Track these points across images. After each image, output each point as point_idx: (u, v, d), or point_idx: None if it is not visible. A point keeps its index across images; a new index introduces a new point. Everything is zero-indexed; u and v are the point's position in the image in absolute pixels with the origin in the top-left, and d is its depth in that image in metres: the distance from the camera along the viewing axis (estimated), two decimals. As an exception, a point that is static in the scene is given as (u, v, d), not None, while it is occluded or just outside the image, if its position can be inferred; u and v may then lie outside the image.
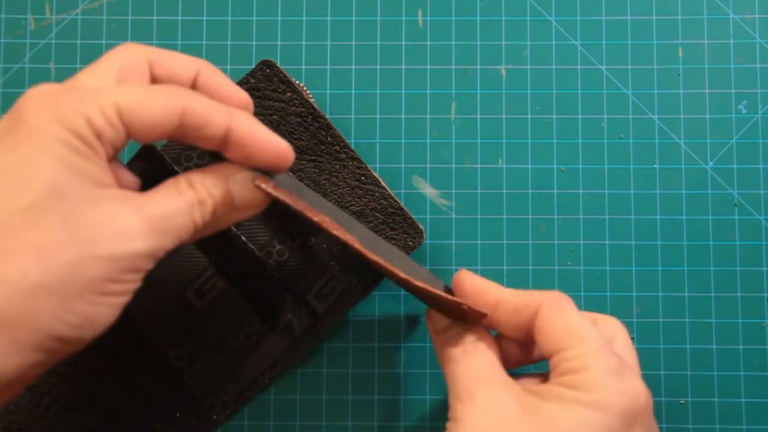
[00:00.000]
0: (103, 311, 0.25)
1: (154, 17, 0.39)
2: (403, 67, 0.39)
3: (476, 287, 0.31)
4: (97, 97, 0.25)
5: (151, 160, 0.36)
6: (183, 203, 0.27)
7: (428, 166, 0.39)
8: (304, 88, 0.38)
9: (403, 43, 0.39)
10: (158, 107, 0.26)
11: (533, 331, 0.30)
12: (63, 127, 0.24)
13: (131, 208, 0.25)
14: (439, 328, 0.32)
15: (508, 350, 0.32)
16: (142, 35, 0.39)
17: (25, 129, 0.24)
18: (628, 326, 0.38)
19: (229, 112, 0.27)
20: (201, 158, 0.36)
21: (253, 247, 0.36)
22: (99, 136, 0.25)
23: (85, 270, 0.24)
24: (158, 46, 0.39)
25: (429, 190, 0.39)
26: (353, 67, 0.39)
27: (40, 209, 0.24)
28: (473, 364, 0.30)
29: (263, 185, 0.28)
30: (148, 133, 0.26)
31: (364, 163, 0.37)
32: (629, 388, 0.27)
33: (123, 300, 0.26)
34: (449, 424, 0.28)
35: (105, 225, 0.24)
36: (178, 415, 0.36)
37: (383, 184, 0.37)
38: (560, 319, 0.29)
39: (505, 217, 0.39)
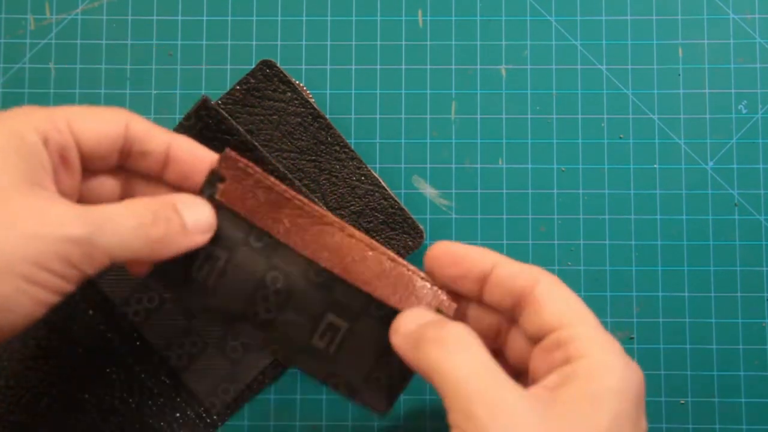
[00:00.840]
0: (22, 300, 0.24)
1: (154, 17, 0.39)
2: (403, 67, 0.39)
3: (472, 251, 0.29)
4: (48, 109, 0.28)
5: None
6: (127, 209, 0.27)
7: (428, 166, 0.39)
8: (304, 88, 0.38)
9: (403, 43, 0.39)
10: (105, 116, 0.28)
11: (523, 303, 0.28)
12: (8, 130, 0.26)
13: (66, 203, 0.26)
14: (409, 329, 0.28)
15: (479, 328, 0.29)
16: (142, 35, 0.39)
17: None
18: (628, 326, 0.38)
19: (169, 132, 0.30)
20: None
21: None
22: (45, 142, 0.27)
23: (7, 247, 0.24)
24: (158, 46, 0.39)
25: (429, 190, 0.39)
26: (353, 67, 0.39)
27: None
28: (475, 365, 0.26)
29: (231, 153, 0.29)
30: (96, 143, 0.28)
31: (364, 163, 0.37)
32: (635, 370, 0.26)
33: (48, 296, 0.25)
34: (466, 426, 0.25)
35: (32, 209, 0.25)
36: (177, 415, 0.36)
37: (383, 184, 0.37)
38: (563, 293, 0.28)
39: (505, 217, 0.39)
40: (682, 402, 0.37)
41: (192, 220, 0.29)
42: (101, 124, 0.28)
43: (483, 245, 0.38)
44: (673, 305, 0.38)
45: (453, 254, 0.29)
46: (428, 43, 0.39)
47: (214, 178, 0.30)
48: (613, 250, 0.38)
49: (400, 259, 0.30)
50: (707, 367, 0.38)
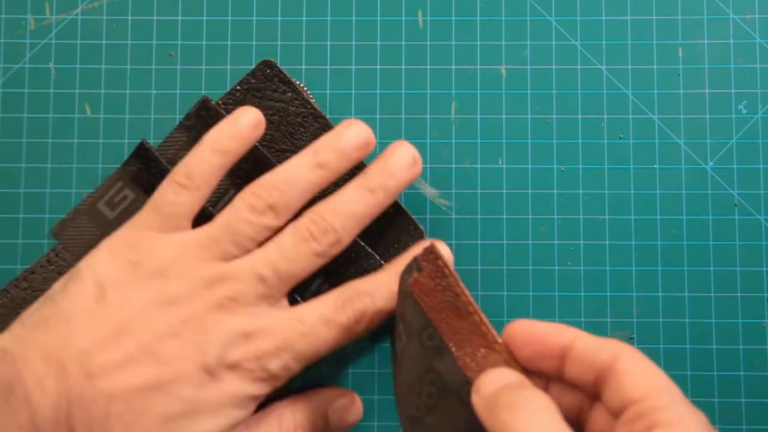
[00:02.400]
0: None
1: (154, 17, 0.39)
2: (403, 67, 0.39)
3: (550, 328, 0.29)
4: None
5: (148, 161, 0.36)
6: None
7: (428, 166, 0.39)
8: (305, 88, 0.38)
9: (403, 43, 0.39)
10: None
11: (605, 378, 0.27)
12: None
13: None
14: (488, 392, 0.28)
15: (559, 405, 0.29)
16: (142, 35, 0.39)
17: None
18: (628, 326, 0.38)
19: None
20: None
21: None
22: None
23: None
24: (158, 46, 0.39)
25: (429, 190, 0.39)
26: (353, 67, 0.39)
27: None
28: (547, 426, 0.25)
29: (435, 249, 0.30)
30: None
31: (363, 163, 0.37)
32: None
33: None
34: None
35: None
36: None
37: None
38: (645, 366, 0.27)
39: (505, 217, 0.39)
40: (682, 402, 0.37)
41: (336, 425, 0.36)
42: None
43: (483, 245, 0.38)
44: (673, 305, 0.38)
45: (530, 333, 0.29)
46: (428, 43, 0.39)
47: (413, 265, 0.31)
48: (613, 250, 0.38)
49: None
50: (707, 367, 0.38)
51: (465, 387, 0.28)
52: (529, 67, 0.39)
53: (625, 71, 0.39)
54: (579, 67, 0.39)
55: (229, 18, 0.39)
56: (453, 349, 0.29)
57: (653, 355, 0.38)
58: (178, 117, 0.39)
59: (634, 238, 0.38)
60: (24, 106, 0.39)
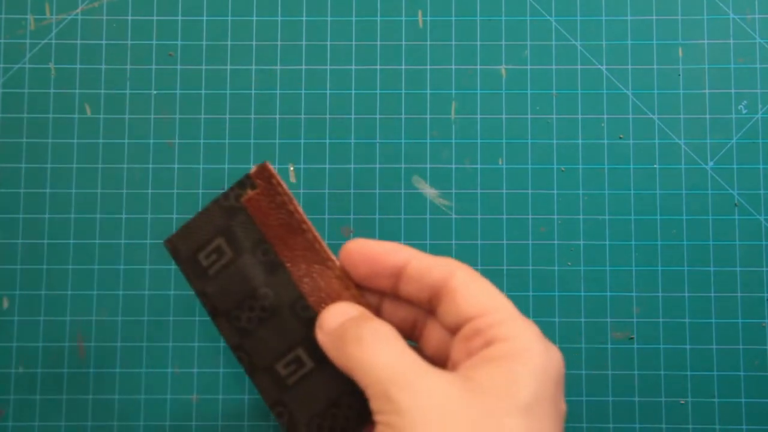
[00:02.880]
0: None
1: (154, 17, 0.39)
2: (403, 67, 0.39)
3: (385, 247, 0.29)
4: None
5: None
6: None
7: (428, 166, 0.39)
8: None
9: (403, 43, 0.39)
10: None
11: (440, 294, 0.28)
12: None
13: None
14: (331, 327, 0.29)
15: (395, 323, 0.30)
16: (142, 35, 0.39)
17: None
18: (629, 326, 0.38)
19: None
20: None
21: None
22: None
23: None
24: (158, 46, 0.39)
25: (429, 190, 0.39)
26: (353, 67, 0.39)
27: None
28: (394, 347, 0.27)
29: (270, 167, 0.31)
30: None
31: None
32: (554, 352, 0.27)
33: None
34: (390, 418, 0.25)
35: None
36: None
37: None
38: (480, 283, 0.28)
39: (505, 217, 0.39)
40: (682, 402, 0.37)
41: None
42: None
43: (483, 245, 0.38)
44: (673, 305, 0.38)
45: (366, 252, 0.30)
46: (428, 43, 0.39)
47: (246, 182, 0.31)
48: (613, 250, 0.38)
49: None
50: (707, 367, 0.38)
51: (299, 301, 0.30)
52: (529, 67, 0.39)
53: (625, 71, 0.39)
54: (579, 67, 0.39)
55: (229, 18, 0.40)
56: (288, 265, 0.31)
57: (653, 354, 0.38)
58: (179, 117, 0.39)
59: (634, 238, 0.38)
60: (24, 106, 0.39)
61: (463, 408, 0.25)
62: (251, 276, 0.31)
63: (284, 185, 0.31)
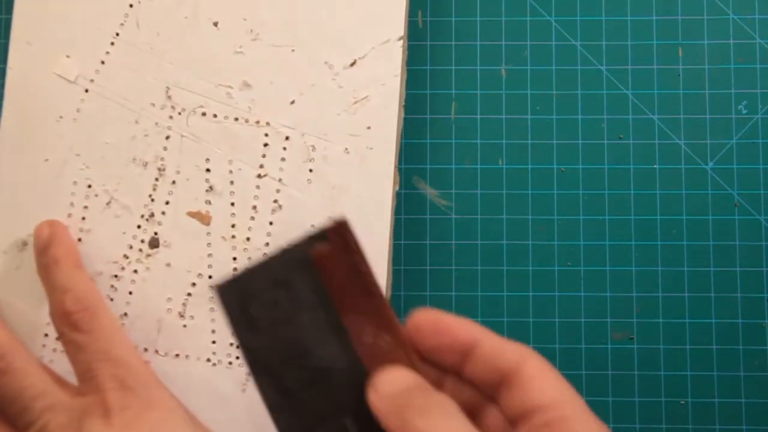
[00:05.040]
0: None
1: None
2: (403, 67, 0.39)
3: (458, 323, 0.28)
4: None
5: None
6: None
7: (428, 166, 0.39)
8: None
9: (403, 43, 0.39)
10: None
11: (509, 381, 0.27)
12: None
13: None
14: (389, 392, 0.27)
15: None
16: (142, 35, 0.39)
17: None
18: (628, 326, 0.38)
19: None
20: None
21: None
22: None
23: None
24: (158, 45, 0.39)
25: (429, 190, 0.39)
26: (353, 67, 0.39)
27: None
28: (459, 421, 0.26)
29: (347, 222, 0.29)
30: None
31: None
32: None
33: None
34: None
35: None
36: None
37: None
38: (554, 375, 0.27)
39: (505, 217, 0.39)
40: (682, 402, 0.37)
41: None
42: None
43: (483, 245, 0.38)
44: (673, 305, 0.38)
45: (437, 324, 0.28)
46: (428, 43, 0.39)
47: (318, 235, 0.29)
48: (613, 250, 0.38)
49: None
50: (707, 367, 0.38)
51: (357, 366, 0.28)
52: (529, 67, 0.39)
53: (625, 71, 0.39)
54: (579, 67, 0.39)
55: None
56: (350, 328, 0.29)
57: (653, 355, 0.38)
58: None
59: (634, 238, 0.38)
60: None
61: None
62: (307, 335, 0.29)
63: (359, 244, 0.29)
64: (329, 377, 0.29)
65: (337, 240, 0.29)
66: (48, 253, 0.34)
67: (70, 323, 0.33)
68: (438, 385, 0.29)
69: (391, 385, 0.27)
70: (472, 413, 0.28)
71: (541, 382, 0.26)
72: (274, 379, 0.29)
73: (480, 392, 0.28)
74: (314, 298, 0.29)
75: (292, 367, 0.29)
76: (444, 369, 0.29)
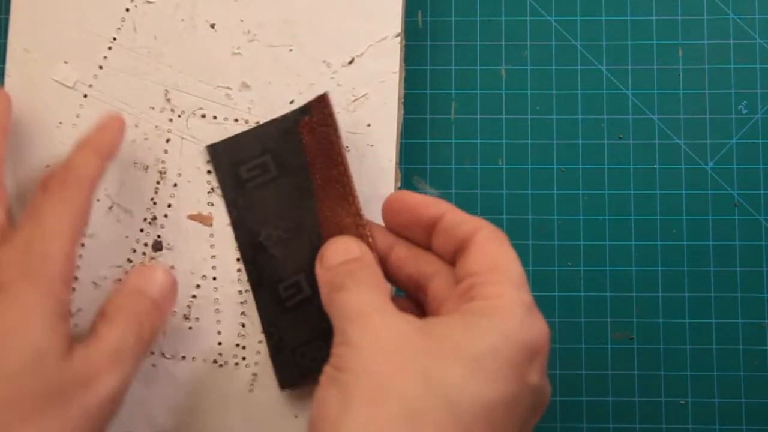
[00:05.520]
0: None
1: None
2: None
3: (424, 199, 0.30)
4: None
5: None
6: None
7: (428, 166, 0.39)
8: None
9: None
10: None
11: (462, 248, 0.29)
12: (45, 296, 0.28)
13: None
14: (333, 264, 0.30)
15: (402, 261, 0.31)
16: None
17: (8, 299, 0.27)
18: (628, 326, 0.38)
19: None
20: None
21: None
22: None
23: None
24: (158, 47, 0.39)
25: (429, 190, 0.39)
26: (353, 67, 0.39)
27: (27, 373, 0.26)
28: (368, 293, 0.28)
29: (328, 99, 0.33)
30: None
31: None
32: (537, 325, 0.26)
33: None
34: (339, 350, 0.26)
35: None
36: None
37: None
38: (498, 244, 0.28)
39: (505, 217, 0.39)
40: (682, 402, 0.38)
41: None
42: None
43: (483, 246, 0.38)
44: (673, 305, 0.38)
45: (406, 202, 0.30)
46: (428, 43, 0.39)
47: (305, 109, 0.33)
48: (613, 250, 0.38)
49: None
50: (707, 367, 0.38)
51: (315, 230, 0.32)
52: (529, 67, 0.39)
53: (625, 71, 0.39)
54: (579, 67, 0.39)
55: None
56: (317, 193, 0.33)
57: (653, 355, 0.38)
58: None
59: (634, 238, 0.38)
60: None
61: (411, 348, 0.25)
62: (285, 197, 0.33)
63: (335, 116, 0.33)
64: (295, 237, 0.33)
65: (317, 113, 0.33)
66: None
67: (43, 185, 0.30)
68: (384, 258, 0.31)
69: (332, 258, 0.30)
70: (419, 290, 0.31)
71: (482, 250, 0.28)
72: (251, 235, 0.34)
73: (425, 270, 0.30)
74: (297, 164, 0.33)
75: (266, 226, 0.34)
76: (417, 244, 0.31)
